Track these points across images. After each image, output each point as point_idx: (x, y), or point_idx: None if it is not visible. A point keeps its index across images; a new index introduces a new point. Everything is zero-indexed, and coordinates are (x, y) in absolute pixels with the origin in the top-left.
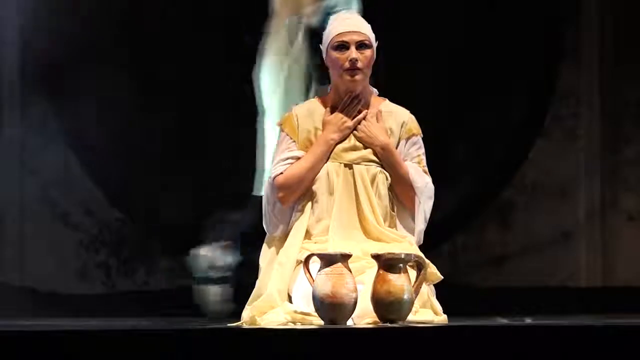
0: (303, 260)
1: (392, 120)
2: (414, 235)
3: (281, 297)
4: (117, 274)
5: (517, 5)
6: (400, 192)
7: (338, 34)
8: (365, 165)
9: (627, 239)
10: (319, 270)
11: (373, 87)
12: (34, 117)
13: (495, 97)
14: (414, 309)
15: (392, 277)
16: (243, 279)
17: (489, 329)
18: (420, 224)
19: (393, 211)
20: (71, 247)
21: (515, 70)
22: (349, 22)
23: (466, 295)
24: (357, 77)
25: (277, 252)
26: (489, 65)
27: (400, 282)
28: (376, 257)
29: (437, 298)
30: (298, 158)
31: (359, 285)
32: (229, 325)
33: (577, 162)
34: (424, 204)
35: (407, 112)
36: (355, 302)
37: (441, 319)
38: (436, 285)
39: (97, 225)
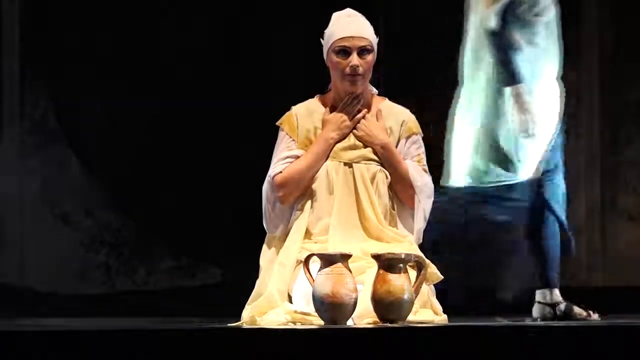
0: (303, 260)
1: (392, 119)
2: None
3: (281, 297)
4: (117, 274)
5: None
6: (400, 191)
7: (340, 39)
8: (365, 164)
9: (627, 239)
10: (319, 270)
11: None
12: (34, 117)
13: None
14: (414, 309)
15: (392, 277)
16: None
17: (489, 329)
18: (420, 223)
19: (393, 210)
20: (71, 247)
21: None
22: (352, 27)
23: (466, 295)
24: (358, 82)
25: (277, 252)
26: None
27: (400, 282)
28: (376, 257)
29: (437, 298)
30: (297, 157)
31: (359, 285)
32: (229, 325)
33: (577, 162)
34: (424, 203)
35: (407, 111)
36: (355, 302)
37: (441, 319)
38: (436, 285)
39: (97, 225)
